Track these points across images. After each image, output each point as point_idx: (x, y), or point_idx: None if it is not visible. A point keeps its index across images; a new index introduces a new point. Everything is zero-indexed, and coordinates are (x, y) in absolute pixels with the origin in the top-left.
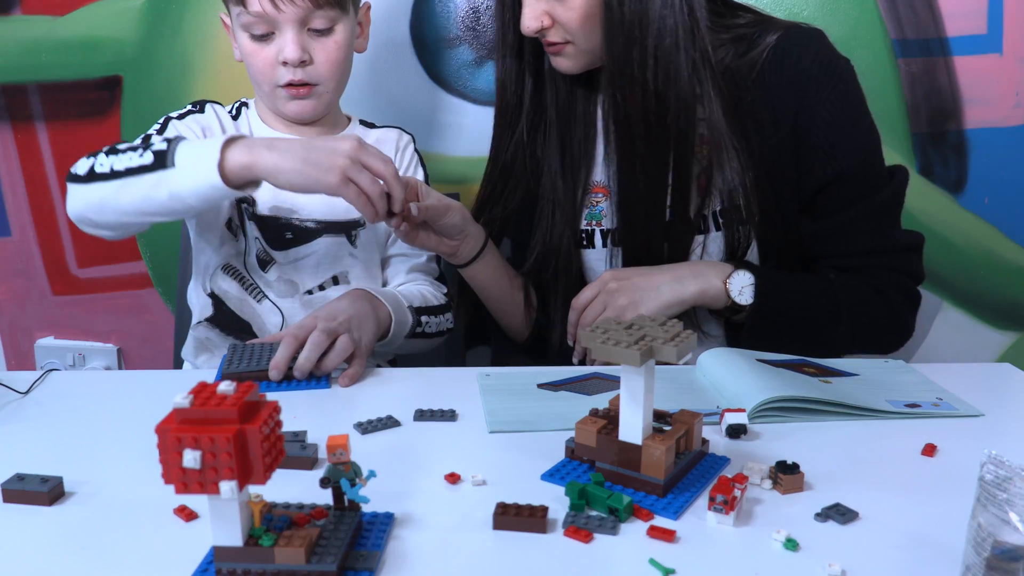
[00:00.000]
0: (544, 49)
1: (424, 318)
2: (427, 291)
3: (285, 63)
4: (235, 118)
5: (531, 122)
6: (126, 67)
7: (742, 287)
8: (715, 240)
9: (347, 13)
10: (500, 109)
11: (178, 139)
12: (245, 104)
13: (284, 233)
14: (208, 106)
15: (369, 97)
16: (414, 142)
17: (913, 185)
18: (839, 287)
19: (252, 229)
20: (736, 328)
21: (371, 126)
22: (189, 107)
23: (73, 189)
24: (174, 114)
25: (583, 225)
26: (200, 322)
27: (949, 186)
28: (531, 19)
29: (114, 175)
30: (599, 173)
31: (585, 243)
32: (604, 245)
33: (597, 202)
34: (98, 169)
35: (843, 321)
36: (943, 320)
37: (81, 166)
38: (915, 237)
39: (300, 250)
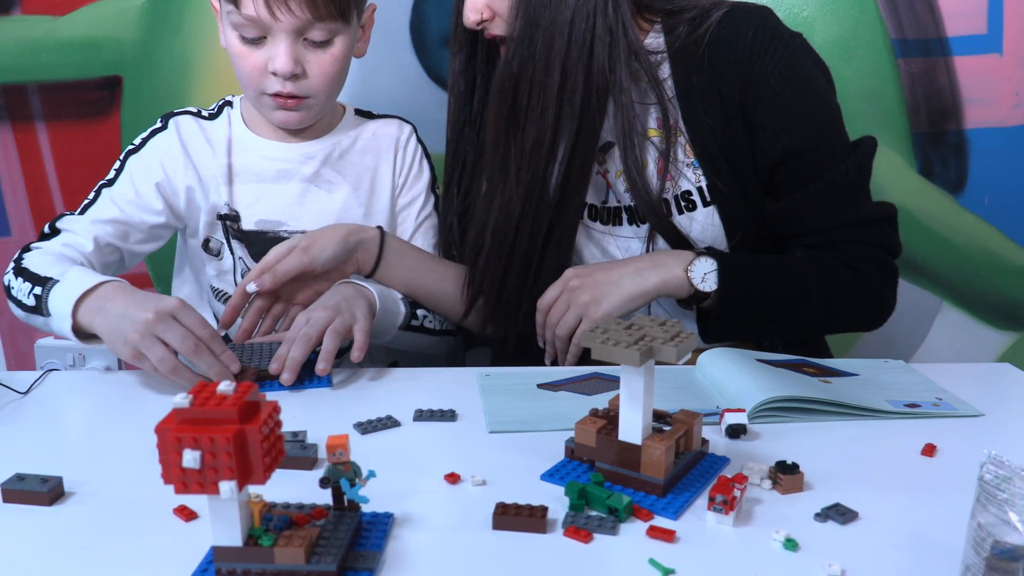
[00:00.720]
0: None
1: (421, 311)
2: None
3: (275, 73)
4: (214, 117)
5: (482, 117)
6: (126, 67)
7: (704, 274)
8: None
9: (349, 24)
10: (456, 107)
11: (51, 284)
12: (229, 104)
13: (271, 248)
14: (172, 121)
15: (368, 96)
16: (415, 132)
17: (913, 185)
18: (808, 264)
19: (238, 248)
20: (707, 318)
21: (368, 116)
22: (157, 123)
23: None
24: (136, 142)
25: (590, 199)
26: None
27: (949, 186)
28: (471, 11)
29: (17, 304)
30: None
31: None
32: (603, 222)
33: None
34: (9, 290)
35: (814, 299)
36: (943, 320)
37: (7, 274)
38: (886, 209)
39: None
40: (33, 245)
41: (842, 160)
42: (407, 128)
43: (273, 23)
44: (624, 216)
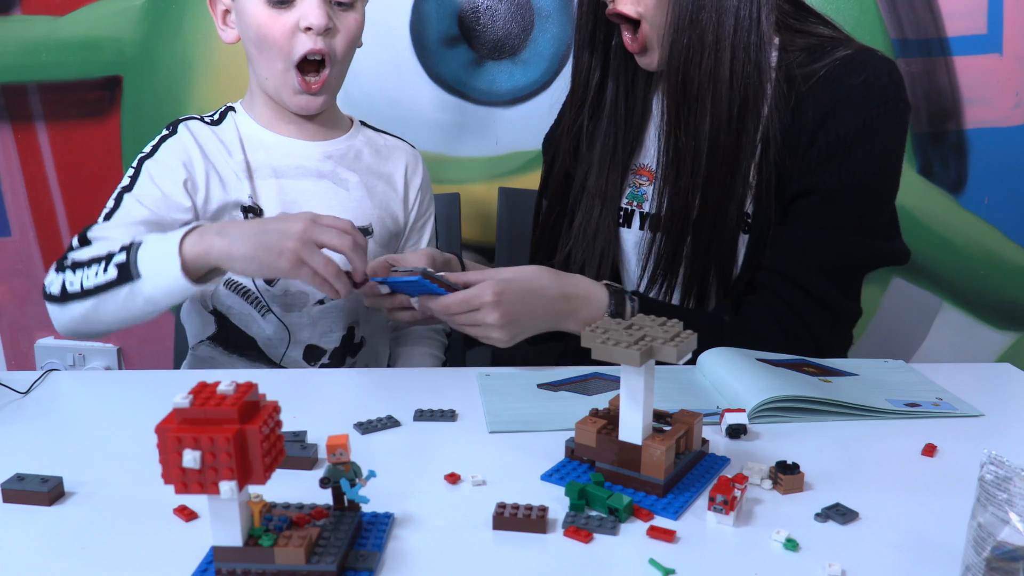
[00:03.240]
0: (623, 44)
1: None
2: (440, 349)
3: (308, 29)
4: (217, 123)
5: (592, 111)
6: (126, 67)
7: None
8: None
9: None
10: (571, 99)
11: (136, 246)
12: (232, 108)
13: None
14: (182, 125)
15: (369, 97)
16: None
17: (913, 185)
18: (728, 333)
19: None
20: None
21: (374, 130)
22: (164, 131)
23: (52, 309)
24: (147, 149)
25: (623, 203)
26: (202, 341)
27: (949, 186)
28: None
29: (86, 294)
30: (648, 157)
31: (622, 222)
32: (641, 227)
33: (640, 184)
34: (69, 289)
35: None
36: (943, 320)
37: (53, 284)
38: (851, 311)
39: None
40: (69, 254)
41: (863, 233)
42: (416, 152)
43: None
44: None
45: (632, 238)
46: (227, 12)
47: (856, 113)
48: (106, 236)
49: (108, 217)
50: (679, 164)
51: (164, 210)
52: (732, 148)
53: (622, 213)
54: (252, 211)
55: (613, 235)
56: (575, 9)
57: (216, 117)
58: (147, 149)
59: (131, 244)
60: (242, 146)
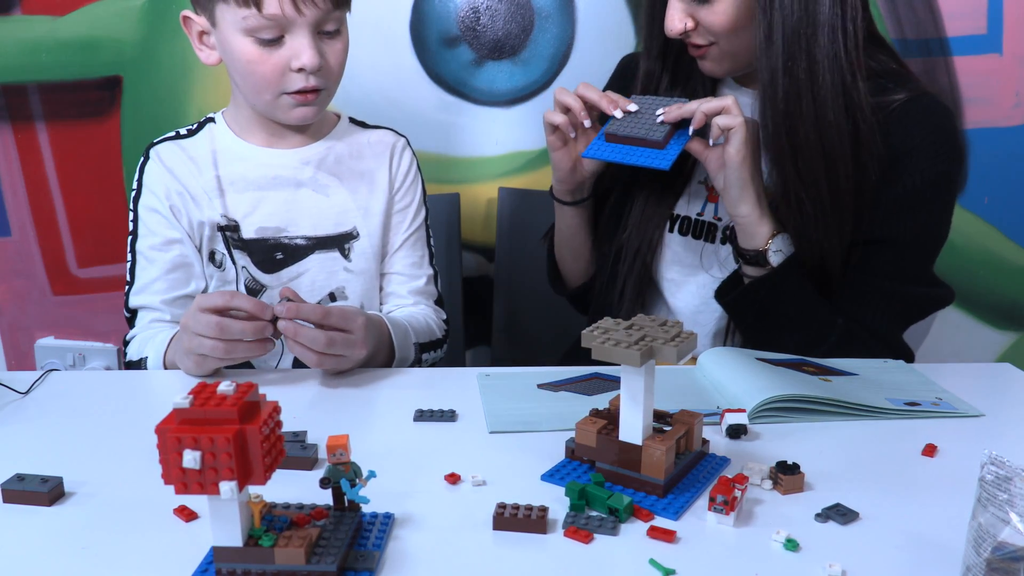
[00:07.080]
0: (688, 52)
1: (425, 355)
2: (432, 320)
3: (301, 69)
4: (193, 134)
5: None
6: (126, 67)
7: (779, 249)
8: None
9: (349, 12)
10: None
11: (143, 363)
12: (212, 120)
13: (274, 254)
14: (152, 151)
15: (369, 97)
16: (410, 145)
17: None
18: (839, 330)
19: (240, 257)
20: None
21: (363, 125)
22: (142, 158)
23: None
24: (135, 185)
25: (684, 212)
26: None
27: None
28: (674, 21)
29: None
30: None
31: (672, 227)
32: (695, 235)
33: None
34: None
35: (819, 350)
36: (943, 320)
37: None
38: (904, 351)
39: (293, 270)
40: (128, 336)
41: (915, 281)
42: (401, 140)
43: (296, 18)
44: (717, 235)
45: (677, 244)
46: (204, 33)
47: (927, 166)
48: (144, 304)
49: (133, 276)
50: (799, 211)
51: (173, 247)
52: (849, 187)
53: (678, 219)
54: (229, 229)
55: (658, 236)
56: (642, 18)
57: (194, 128)
58: (135, 186)
59: (141, 360)
60: (214, 161)
